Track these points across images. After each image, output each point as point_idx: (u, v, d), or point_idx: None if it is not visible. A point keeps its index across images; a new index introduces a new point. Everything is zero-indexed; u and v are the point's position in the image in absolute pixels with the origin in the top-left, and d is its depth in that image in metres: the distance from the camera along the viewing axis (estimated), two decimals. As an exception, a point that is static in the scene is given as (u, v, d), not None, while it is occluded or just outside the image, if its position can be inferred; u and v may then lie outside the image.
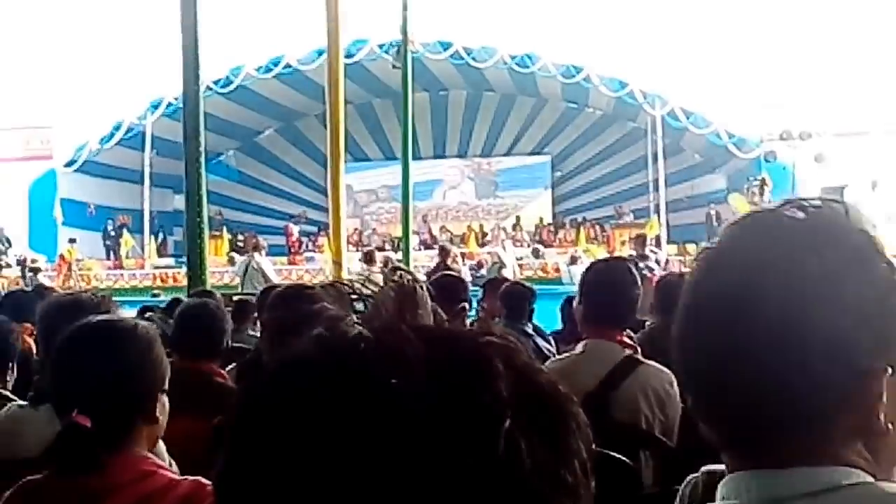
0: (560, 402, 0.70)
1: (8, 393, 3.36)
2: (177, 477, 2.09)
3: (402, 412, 0.63)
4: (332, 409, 0.64)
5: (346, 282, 0.84)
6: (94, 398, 2.01)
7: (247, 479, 0.66)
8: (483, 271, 19.29)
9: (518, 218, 30.06)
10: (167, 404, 2.16)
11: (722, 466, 2.09)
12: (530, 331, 5.83)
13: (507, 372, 0.67)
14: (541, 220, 30.41)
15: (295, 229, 28.11)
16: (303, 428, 0.64)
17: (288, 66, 25.09)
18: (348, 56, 19.30)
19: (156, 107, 24.98)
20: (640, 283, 3.72)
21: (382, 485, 0.62)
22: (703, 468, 2.10)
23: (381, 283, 0.83)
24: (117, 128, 26.01)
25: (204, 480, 2.05)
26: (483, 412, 0.64)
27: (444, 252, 15.24)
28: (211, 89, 22.55)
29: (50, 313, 3.16)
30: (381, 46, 23.04)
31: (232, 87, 25.07)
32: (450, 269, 13.00)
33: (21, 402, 3.09)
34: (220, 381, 3.83)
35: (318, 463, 0.63)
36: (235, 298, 7.64)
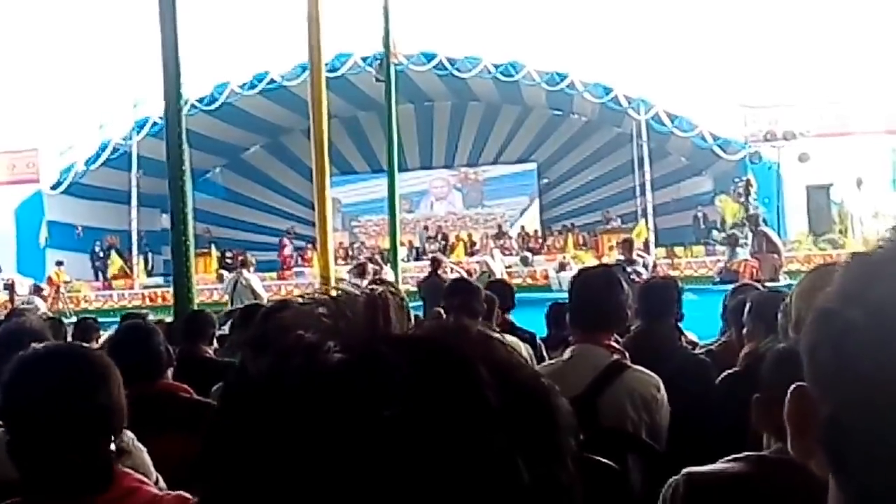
0: (547, 399, 0.68)
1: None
2: (160, 492, 2.09)
3: (389, 438, 0.60)
4: (318, 443, 0.60)
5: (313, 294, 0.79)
6: (75, 430, 1.93)
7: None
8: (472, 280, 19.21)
9: (499, 227, 30.09)
10: None
11: (704, 468, 2.10)
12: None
13: (491, 376, 0.64)
14: (522, 228, 30.46)
15: (288, 244, 28.04)
16: (287, 464, 0.61)
17: (272, 81, 25.12)
18: (332, 70, 19.39)
19: (141, 126, 24.89)
20: (626, 287, 3.73)
21: None
22: (685, 470, 2.11)
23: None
24: (103, 148, 25.96)
25: (186, 495, 2.06)
26: (475, 430, 0.61)
27: (435, 262, 15.24)
28: (196, 107, 22.56)
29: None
30: (364, 59, 23.05)
31: (217, 104, 25.07)
32: (441, 279, 12.99)
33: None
34: (186, 397, 3.83)
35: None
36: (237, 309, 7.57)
